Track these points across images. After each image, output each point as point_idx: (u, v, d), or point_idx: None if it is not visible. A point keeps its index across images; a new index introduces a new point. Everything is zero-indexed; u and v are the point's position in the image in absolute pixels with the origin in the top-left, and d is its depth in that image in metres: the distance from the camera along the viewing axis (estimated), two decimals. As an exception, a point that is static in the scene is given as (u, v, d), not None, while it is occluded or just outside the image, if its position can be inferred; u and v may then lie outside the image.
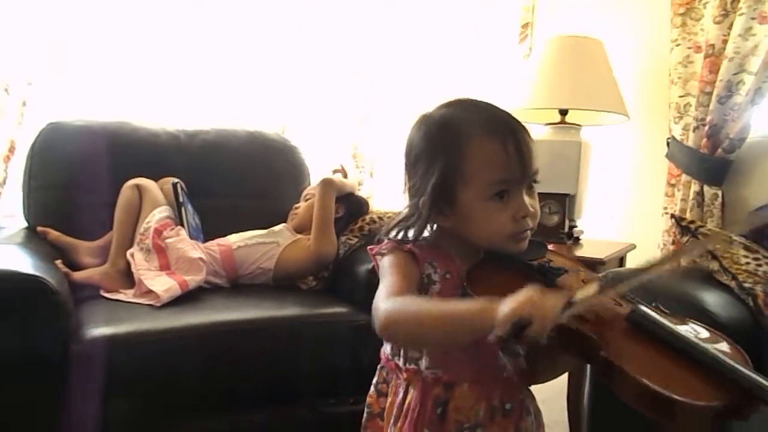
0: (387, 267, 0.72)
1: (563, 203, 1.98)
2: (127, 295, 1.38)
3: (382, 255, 0.74)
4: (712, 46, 1.82)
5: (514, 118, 0.73)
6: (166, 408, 1.13)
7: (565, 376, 1.90)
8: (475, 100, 0.76)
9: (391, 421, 0.73)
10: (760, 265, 1.16)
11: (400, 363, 0.74)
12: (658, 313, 0.67)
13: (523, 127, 0.73)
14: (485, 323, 0.57)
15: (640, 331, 0.64)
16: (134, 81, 2.13)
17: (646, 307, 0.68)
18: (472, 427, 0.70)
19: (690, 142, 1.92)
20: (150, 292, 1.33)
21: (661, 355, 0.62)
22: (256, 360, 1.21)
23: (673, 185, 2.02)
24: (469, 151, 0.70)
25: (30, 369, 1.04)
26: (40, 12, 1.83)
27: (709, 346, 0.62)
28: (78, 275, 1.43)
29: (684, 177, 1.95)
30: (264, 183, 1.92)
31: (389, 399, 0.75)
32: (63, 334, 1.08)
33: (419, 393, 0.71)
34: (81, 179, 1.67)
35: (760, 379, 0.57)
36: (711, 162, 1.86)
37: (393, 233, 0.75)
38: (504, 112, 0.74)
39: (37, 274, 1.07)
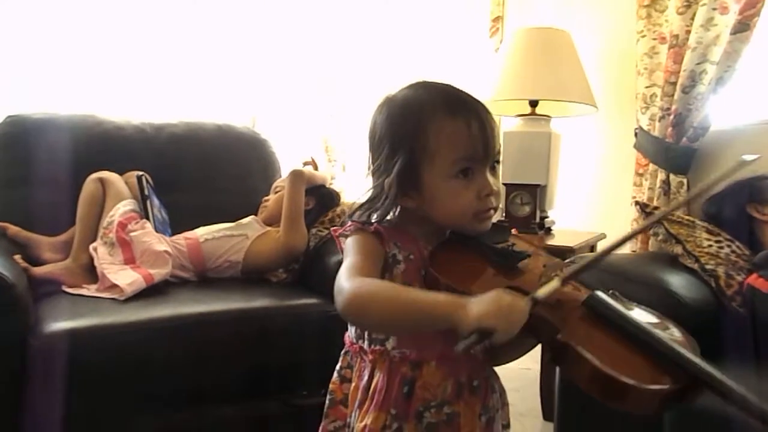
0: (350, 246, 0.71)
1: (534, 194, 1.99)
2: (90, 290, 1.34)
3: (346, 236, 0.73)
4: (676, 36, 1.86)
5: (477, 99, 0.74)
6: (130, 403, 1.10)
7: (537, 368, 1.92)
8: (437, 82, 0.76)
9: (356, 404, 0.72)
10: (721, 248, 1.18)
11: (365, 345, 0.73)
12: (614, 300, 0.67)
13: (485, 107, 0.73)
14: (450, 320, 0.58)
15: (596, 316, 0.64)
16: (100, 73, 2.08)
17: (603, 293, 0.68)
18: (439, 404, 0.69)
19: (656, 132, 1.95)
20: (114, 286, 1.30)
21: (614, 339, 0.62)
22: (223, 353, 1.19)
23: (641, 174, 2.05)
24: (433, 130, 0.70)
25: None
26: (-2, 2, 1.78)
27: (660, 332, 0.63)
28: (38, 270, 1.38)
29: (651, 166, 1.99)
30: (233, 176, 1.89)
31: (353, 383, 0.74)
32: (20, 329, 1.05)
33: (386, 374, 0.70)
34: (42, 174, 1.62)
35: (705, 366, 0.58)
36: (676, 151, 1.90)
37: (357, 215, 0.74)
38: (466, 93, 0.74)
39: (-9, 267, 1.04)
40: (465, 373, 0.71)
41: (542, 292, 0.60)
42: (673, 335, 0.66)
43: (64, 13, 1.97)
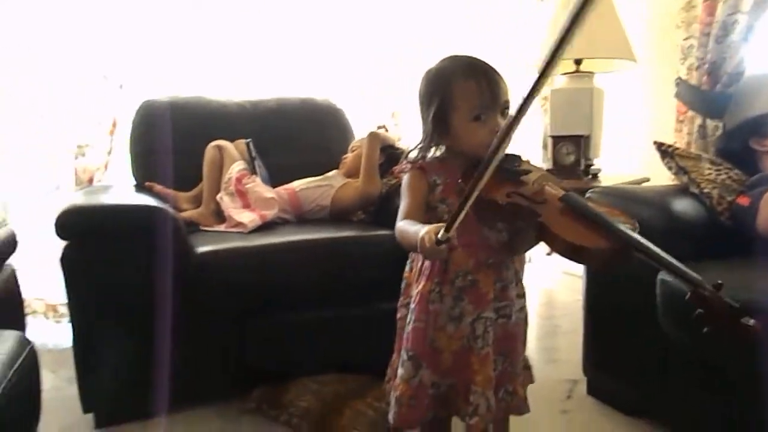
0: (404, 187, 1.03)
1: (578, 144, 2.21)
2: (220, 228, 1.78)
3: (403, 173, 1.05)
4: (710, -10, 2.00)
5: (486, 63, 1.01)
6: (255, 303, 1.52)
7: (580, 303, 2.18)
8: (462, 55, 1.04)
9: (414, 280, 1.06)
10: (719, 174, 1.40)
11: None
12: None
13: (495, 70, 1.00)
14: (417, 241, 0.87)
15: (568, 207, 0.92)
16: (205, 62, 2.52)
17: (577, 195, 0.96)
18: (464, 273, 1.00)
19: (694, 81, 2.11)
20: (238, 224, 1.72)
21: (578, 222, 0.89)
22: (320, 270, 1.57)
23: (681, 121, 2.23)
24: (455, 88, 0.99)
25: (162, 277, 1.44)
26: (125, 11, 2.23)
27: (608, 217, 0.90)
28: (181, 215, 1.83)
29: (690, 113, 2.16)
30: (315, 141, 2.27)
31: (413, 269, 1.08)
32: (182, 250, 1.48)
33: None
34: (173, 144, 2.07)
35: (635, 235, 0.86)
36: (712, 97, 2.06)
37: (411, 155, 1.05)
38: (481, 60, 1.01)
39: (162, 207, 1.47)
40: (483, 255, 1.01)
41: (440, 233, 0.83)
42: (620, 221, 0.92)
43: (175, 15, 2.41)
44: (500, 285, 1.03)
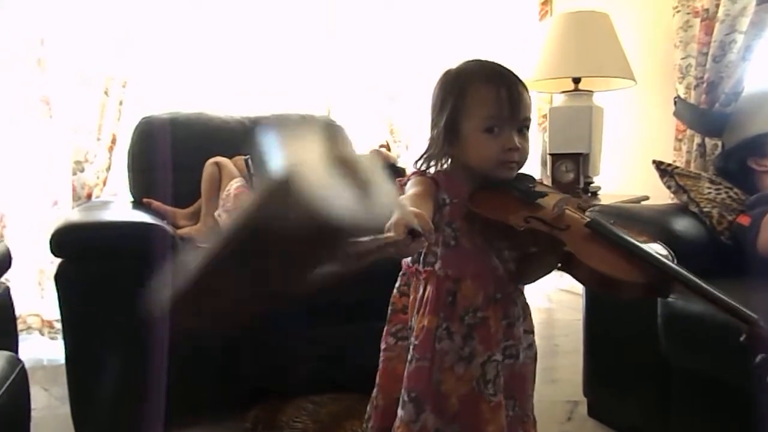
0: (409, 184, 0.89)
1: (577, 162, 2.22)
2: (217, 245, 1.77)
3: (408, 182, 0.91)
4: (707, 10, 2.02)
5: (512, 73, 0.90)
6: (250, 322, 1.50)
7: (580, 321, 2.16)
8: (485, 59, 0.93)
9: (415, 311, 0.93)
10: (719, 193, 1.40)
11: (420, 267, 0.92)
12: (611, 225, 0.85)
13: (518, 79, 0.89)
14: None
15: (596, 235, 0.82)
16: (205, 79, 2.53)
17: (603, 220, 0.86)
18: (474, 310, 0.90)
19: (692, 100, 2.12)
20: (235, 241, 1.71)
21: (607, 250, 0.79)
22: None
23: (680, 140, 2.23)
24: (470, 92, 0.88)
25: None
26: (125, 27, 2.25)
27: (641, 244, 0.80)
28: (179, 232, 1.83)
29: (688, 131, 2.16)
30: (316, 158, 2.26)
31: (411, 296, 0.94)
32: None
33: (434, 287, 0.90)
34: (172, 161, 2.06)
35: (674, 266, 0.77)
36: (710, 116, 2.06)
37: (418, 165, 0.94)
38: (504, 67, 0.90)
39: (159, 224, 1.46)
40: (492, 288, 0.90)
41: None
42: (652, 248, 0.82)
43: (174, 34, 2.44)
44: (506, 322, 0.93)
